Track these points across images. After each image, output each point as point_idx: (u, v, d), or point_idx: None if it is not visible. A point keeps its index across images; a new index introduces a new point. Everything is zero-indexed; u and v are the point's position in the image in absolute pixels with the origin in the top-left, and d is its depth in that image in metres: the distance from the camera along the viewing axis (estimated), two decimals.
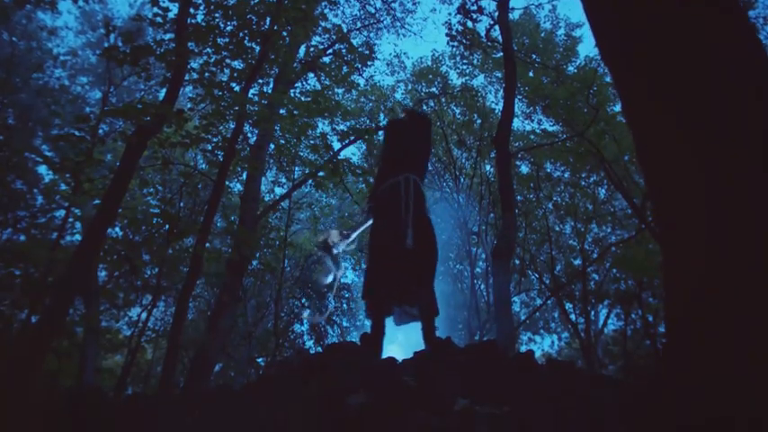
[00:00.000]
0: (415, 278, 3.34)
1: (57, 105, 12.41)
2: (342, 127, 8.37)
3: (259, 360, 15.83)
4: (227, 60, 6.44)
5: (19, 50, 13.54)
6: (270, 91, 7.48)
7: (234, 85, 5.94)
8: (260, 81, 6.66)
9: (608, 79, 13.61)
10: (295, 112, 6.88)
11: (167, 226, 7.34)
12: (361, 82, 12.86)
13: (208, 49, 6.38)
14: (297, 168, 12.26)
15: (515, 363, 2.34)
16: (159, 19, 5.52)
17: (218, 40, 6.06)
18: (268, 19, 5.86)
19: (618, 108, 13.97)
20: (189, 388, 7.14)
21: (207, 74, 6.04)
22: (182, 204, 11.52)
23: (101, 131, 12.68)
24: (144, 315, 11.62)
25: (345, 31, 10.41)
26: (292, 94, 8.13)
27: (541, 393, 2.06)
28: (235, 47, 5.89)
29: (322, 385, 2.21)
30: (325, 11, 7.91)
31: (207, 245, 13.06)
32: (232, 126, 6.77)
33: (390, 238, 3.32)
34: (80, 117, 5.25)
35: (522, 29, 14.19)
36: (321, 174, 6.90)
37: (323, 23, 6.86)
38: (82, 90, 16.06)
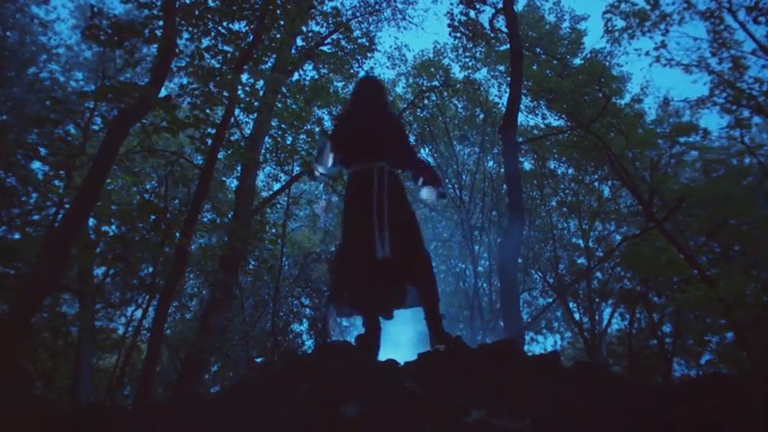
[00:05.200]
0: (399, 280, 3.01)
1: (50, 101, 12.08)
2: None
3: (258, 360, 15.54)
4: (220, 46, 6.13)
5: (10, 44, 13.24)
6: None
7: (227, 69, 5.62)
8: (257, 69, 6.35)
9: (615, 72, 13.30)
10: (292, 104, 6.58)
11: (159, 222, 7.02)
12: (361, 74, 12.57)
13: (200, 35, 6.08)
14: (296, 166, 11.97)
15: (538, 366, 2.02)
16: None
17: (209, 24, 5.76)
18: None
19: (624, 102, 13.67)
20: (181, 389, 6.84)
21: (197, 60, 5.72)
22: (176, 202, 11.20)
23: (96, 127, 12.39)
24: (139, 314, 11.31)
25: (344, 20, 10.11)
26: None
27: (570, 402, 1.75)
28: (226, 30, 5.58)
29: (311, 392, 1.90)
30: None
31: (202, 241, 12.76)
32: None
33: (363, 246, 2.93)
34: (56, 100, 4.95)
35: (525, 21, 13.87)
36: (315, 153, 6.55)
37: (320, 8, 6.57)
38: (77, 86, 15.77)
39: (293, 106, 6.02)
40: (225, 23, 5.71)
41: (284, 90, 5.92)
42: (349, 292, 3.02)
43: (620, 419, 1.71)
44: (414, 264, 3.03)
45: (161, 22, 5.35)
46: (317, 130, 6.28)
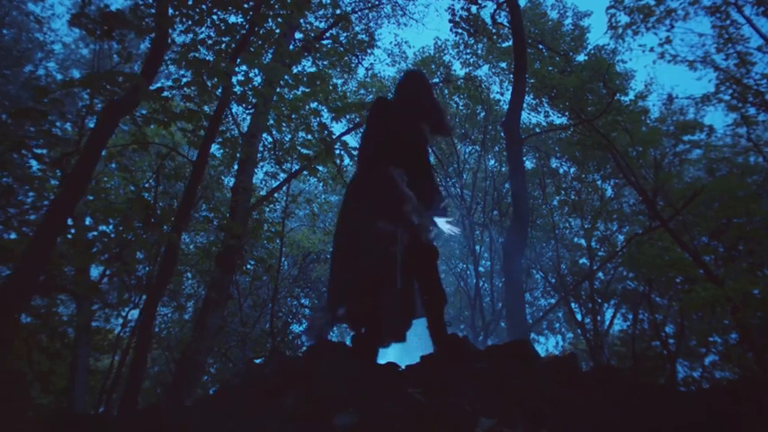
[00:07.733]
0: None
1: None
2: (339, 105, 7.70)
3: (257, 362, 15.33)
4: (215, 38, 5.96)
5: (6, 41, 13.09)
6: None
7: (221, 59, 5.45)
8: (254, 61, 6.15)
9: (619, 69, 13.12)
10: (289, 96, 6.41)
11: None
12: (361, 71, 12.41)
13: (195, 28, 5.91)
14: (296, 165, 11.81)
15: (553, 369, 1.83)
16: None
17: (205, 16, 5.59)
18: None
19: (628, 99, 13.48)
20: (175, 391, 6.66)
21: (192, 51, 5.55)
22: (174, 202, 11.01)
23: (93, 125, 12.23)
24: (135, 314, 11.12)
25: (343, 13, 9.93)
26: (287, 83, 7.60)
27: (591, 411, 1.56)
28: (222, 21, 5.41)
29: (301, 399, 1.71)
30: None
31: (201, 241, 12.55)
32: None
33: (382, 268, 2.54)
34: (41, 91, 4.78)
35: (527, 17, 13.69)
36: (314, 150, 6.37)
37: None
38: None
39: (290, 97, 5.86)
40: (220, 14, 5.53)
41: (282, 83, 5.74)
42: (359, 317, 2.64)
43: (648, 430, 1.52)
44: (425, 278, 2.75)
45: (152, 12, 5.18)
46: (315, 124, 6.10)
